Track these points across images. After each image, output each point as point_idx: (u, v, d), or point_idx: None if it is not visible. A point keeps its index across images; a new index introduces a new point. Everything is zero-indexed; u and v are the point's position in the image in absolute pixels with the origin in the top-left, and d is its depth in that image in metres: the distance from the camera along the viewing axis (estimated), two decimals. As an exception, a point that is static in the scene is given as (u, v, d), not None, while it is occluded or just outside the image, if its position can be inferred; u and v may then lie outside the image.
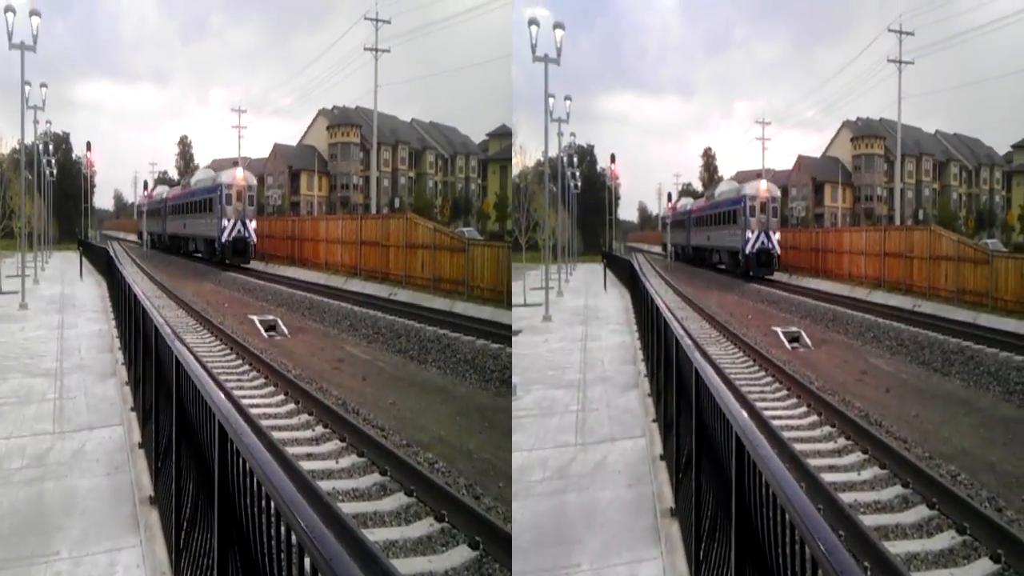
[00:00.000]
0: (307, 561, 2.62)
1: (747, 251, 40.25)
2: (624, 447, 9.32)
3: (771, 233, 40.63)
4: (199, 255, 45.25)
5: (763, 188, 41.74)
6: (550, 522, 7.28)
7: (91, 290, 27.58)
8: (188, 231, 47.23)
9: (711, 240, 48.53)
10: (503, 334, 17.71)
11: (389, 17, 50.32)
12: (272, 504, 3.02)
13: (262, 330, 20.38)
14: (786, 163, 76.68)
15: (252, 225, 41.20)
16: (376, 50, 49.66)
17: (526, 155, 50.10)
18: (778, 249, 40.66)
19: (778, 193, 43.32)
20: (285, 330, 20.72)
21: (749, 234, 40.41)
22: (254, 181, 44.27)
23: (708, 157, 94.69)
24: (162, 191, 58.25)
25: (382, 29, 49.79)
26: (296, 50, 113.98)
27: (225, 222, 40.35)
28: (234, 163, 49.37)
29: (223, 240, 40.19)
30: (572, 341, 17.70)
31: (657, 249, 76.69)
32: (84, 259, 36.01)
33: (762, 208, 41.04)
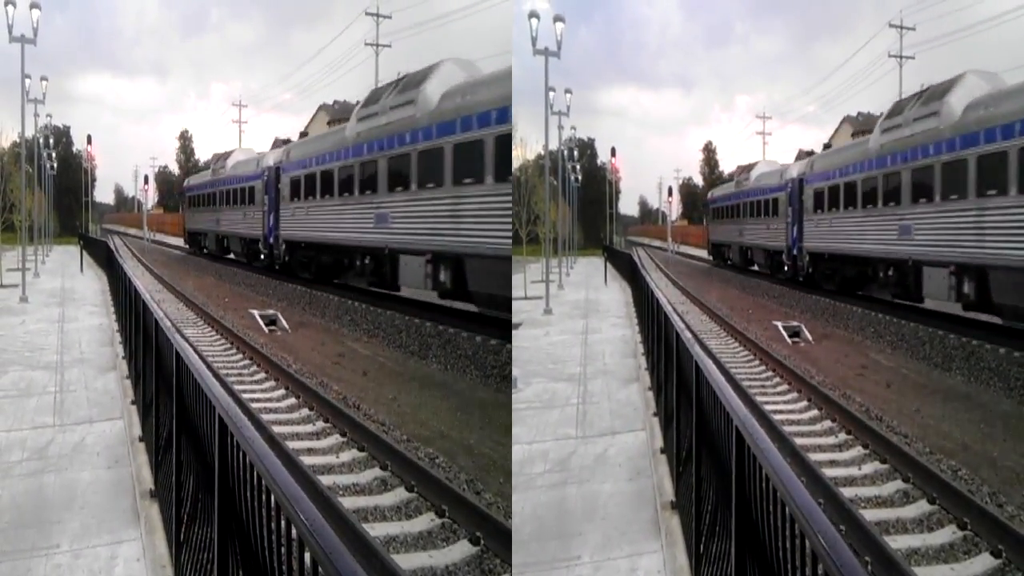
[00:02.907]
0: (307, 555, 2.62)
1: None
2: (625, 440, 9.33)
3: None
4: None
5: None
6: (550, 514, 7.29)
7: (91, 284, 27.57)
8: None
9: (907, 240, 21.82)
10: (503, 329, 17.68)
11: (390, 12, 50.21)
12: (272, 498, 3.01)
13: (263, 325, 20.37)
14: (787, 158, 76.71)
15: None
16: (377, 45, 49.59)
17: (526, 148, 49.84)
18: None
19: None
20: (286, 325, 20.70)
21: None
22: None
23: (709, 151, 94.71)
24: (240, 157, 35.35)
25: (383, 24, 49.69)
26: (296, 45, 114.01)
27: None
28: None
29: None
30: (573, 334, 17.70)
31: (658, 243, 76.82)
32: (84, 253, 36.03)
33: None
